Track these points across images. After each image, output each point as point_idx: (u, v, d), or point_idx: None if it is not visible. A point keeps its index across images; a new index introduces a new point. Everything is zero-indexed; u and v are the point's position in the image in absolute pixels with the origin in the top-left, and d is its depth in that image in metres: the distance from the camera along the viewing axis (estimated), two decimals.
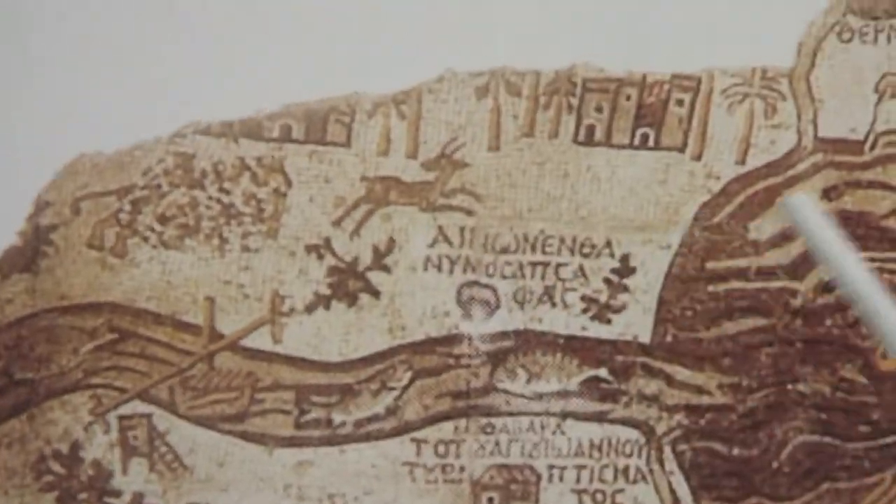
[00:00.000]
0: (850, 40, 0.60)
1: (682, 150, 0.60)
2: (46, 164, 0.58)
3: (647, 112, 0.60)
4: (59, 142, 0.57)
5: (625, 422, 0.60)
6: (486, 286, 0.59)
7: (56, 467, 0.58)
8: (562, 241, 0.59)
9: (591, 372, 0.59)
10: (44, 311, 0.58)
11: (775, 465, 0.59)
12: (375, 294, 0.59)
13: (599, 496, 0.60)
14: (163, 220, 0.58)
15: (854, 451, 0.59)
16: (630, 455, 0.60)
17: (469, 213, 0.59)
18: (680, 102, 0.60)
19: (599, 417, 0.60)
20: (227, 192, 0.59)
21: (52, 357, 0.58)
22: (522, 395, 0.59)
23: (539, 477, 0.59)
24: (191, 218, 0.58)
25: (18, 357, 0.58)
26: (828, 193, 0.60)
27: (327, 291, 0.59)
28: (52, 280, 0.58)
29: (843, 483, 0.59)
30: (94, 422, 0.59)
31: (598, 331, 0.60)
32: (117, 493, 0.59)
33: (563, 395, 0.60)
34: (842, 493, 0.60)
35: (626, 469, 0.60)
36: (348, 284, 0.59)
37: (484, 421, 0.59)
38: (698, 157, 0.60)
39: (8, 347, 0.58)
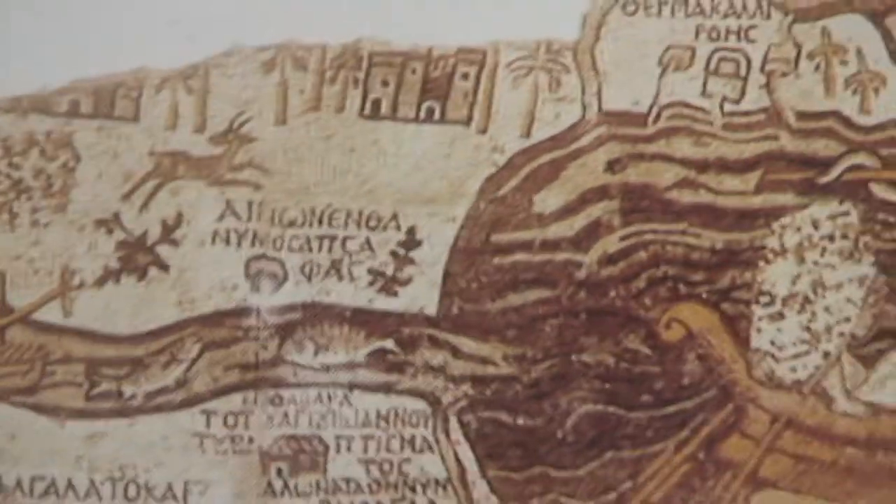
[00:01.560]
0: (634, 13, 0.60)
1: (467, 123, 0.61)
2: None
3: (433, 86, 0.60)
4: None
5: (411, 392, 0.61)
6: (274, 259, 0.60)
7: None
8: (348, 214, 0.60)
9: (378, 344, 0.60)
10: None
11: (560, 434, 0.60)
12: (164, 268, 0.60)
13: (387, 466, 0.60)
14: None
15: (637, 421, 0.60)
16: (416, 425, 0.61)
17: (257, 187, 0.60)
18: (465, 76, 0.60)
19: (386, 388, 0.61)
20: (17, 167, 0.59)
21: None
22: (310, 367, 0.60)
23: (327, 447, 0.60)
24: None
25: None
26: (612, 166, 0.61)
27: (117, 265, 0.60)
28: None
29: (626, 452, 0.60)
30: None
31: (384, 303, 0.61)
32: None
33: (351, 366, 0.60)
34: (625, 462, 0.60)
35: (412, 439, 0.60)
36: (137, 258, 0.60)
37: (272, 392, 0.60)
38: (484, 131, 0.61)
39: None
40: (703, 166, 0.60)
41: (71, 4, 0.60)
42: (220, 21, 0.60)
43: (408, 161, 0.60)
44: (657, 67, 0.60)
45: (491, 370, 0.60)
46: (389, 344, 0.60)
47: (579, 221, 0.60)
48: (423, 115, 0.60)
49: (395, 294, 0.60)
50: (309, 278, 0.60)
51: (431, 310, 0.60)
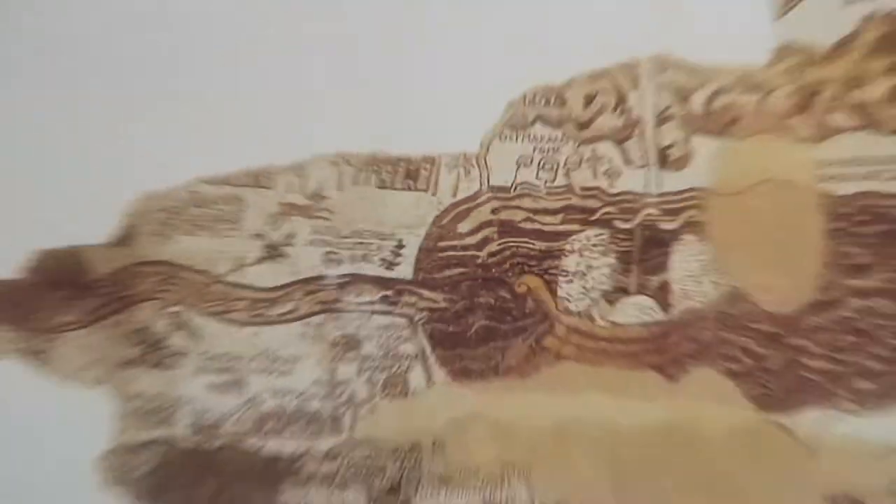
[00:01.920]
0: (505, 139, 1.29)
1: (427, 191, 1.29)
2: None
3: (411, 173, 1.29)
4: None
5: (401, 315, 1.28)
6: (336, 253, 1.29)
7: None
8: (371, 233, 1.29)
9: (385, 293, 1.28)
10: None
11: (469, 335, 1.29)
12: (286, 256, 1.28)
13: (388, 348, 1.29)
14: None
15: (506, 329, 1.29)
16: (403, 330, 1.29)
17: (329, 219, 1.28)
18: (426, 168, 1.29)
19: (389, 313, 1.29)
20: None
21: None
22: (354, 303, 1.29)
23: (359, 341, 1.29)
24: None
25: None
26: (494, 211, 1.29)
27: (266, 254, 1.28)
28: None
29: (500, 343, 1.29)
30: None
31: (388, 274, 1.29)
32: None
33: (372, 303, 1.29)
34: (500, 348, 1.29)
35: (400, 337, 1.29)
36: (274, 252, 1.28)
37: (336, 315, 1.29)
38: (434, 194, 1.29)
39: None
40: (536, 212, 1.29)
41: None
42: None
43: (399, 209, 1.28)
44: (515, 165, 1.28)
45: (437, 305, 1.29)
46: (390, 293, 1.28)
47: (478, 237, 1.28)
48: (406, 187, 1.28)
49: (393, 270, 1.28)
50: (352, 262, 1.29)
51: (409, 276, 1.29)
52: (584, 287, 1.24)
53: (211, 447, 1.19)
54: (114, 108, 1.15)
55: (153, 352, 1.18)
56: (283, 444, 1.19)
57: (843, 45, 1.14)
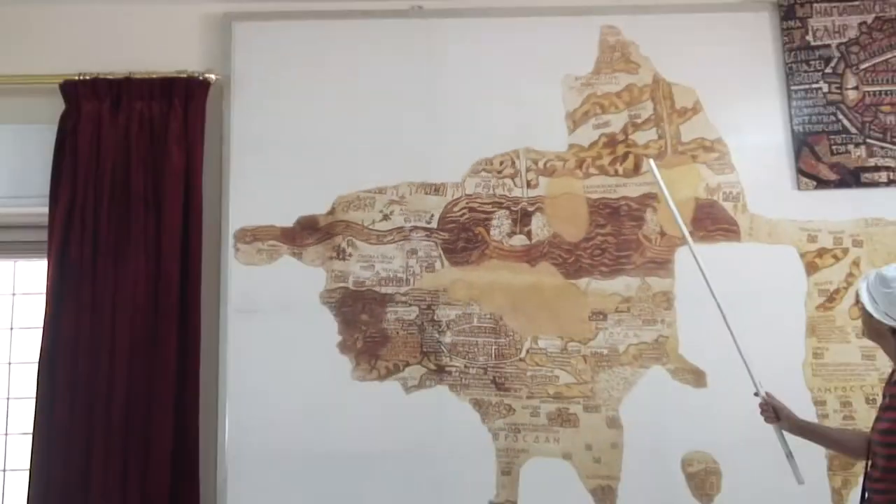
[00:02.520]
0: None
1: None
2: None
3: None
4: None
5: None
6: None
7: None
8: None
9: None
10: None
11: None
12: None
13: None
14: None
15: None
16: None
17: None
18: None
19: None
20: None
21: None
22: None
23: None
24: None
25: None
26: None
27: None
28: None
29: None
30: None
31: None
32: None
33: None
34: None
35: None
36: None
37: None
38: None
39: None
40: (482, 204, 3.49)
41: None
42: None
43: (435, 203, 3.48)
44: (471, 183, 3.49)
45: (446, 237, 3.48)
46: (429, 233, 3.47)
47: (460, 209, 3.48)
48: (435, 191, 3.49)
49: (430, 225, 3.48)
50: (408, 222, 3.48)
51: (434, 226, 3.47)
52: (500, 230, 3.44)
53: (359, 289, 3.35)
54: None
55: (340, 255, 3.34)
56: (386, 289, 3.34)
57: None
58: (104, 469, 3.20)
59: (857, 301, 2.55)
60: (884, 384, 2.52)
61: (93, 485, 3.18)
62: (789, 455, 2.74)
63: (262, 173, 3.47)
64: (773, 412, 2.75)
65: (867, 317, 2.46)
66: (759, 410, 2.84)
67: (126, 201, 3.42)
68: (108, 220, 3.41)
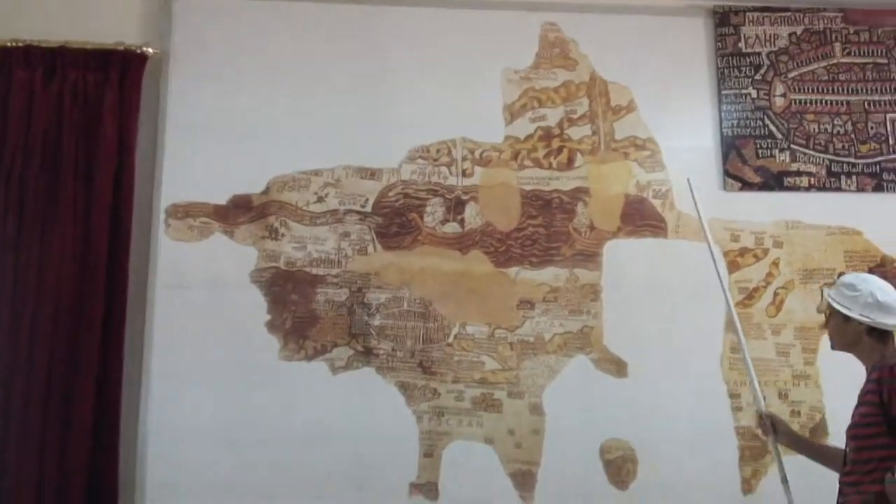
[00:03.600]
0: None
1: None
2: None
3: None
4: None
5: None
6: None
7: None
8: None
9: None
10: None
11: None
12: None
13: None
14: None
15: None
16: None
17: None
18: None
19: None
20: None
21: None
22: None
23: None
24: None
25: None
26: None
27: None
28: None
29: None
30: None
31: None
32: None
33: None
34: None
35: None
36: None
37: None
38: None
39: None
40: (417, 190, 3.53)
41: None
42: None
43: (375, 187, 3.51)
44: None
45: (380, 222, 3.50)
46: (363, 217, 3.50)
47: (395, 194, 3.51)
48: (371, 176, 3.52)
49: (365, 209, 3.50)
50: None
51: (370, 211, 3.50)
52: (434, 217, 3.48)
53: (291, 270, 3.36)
54: None
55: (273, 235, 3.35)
56: (317, 270, 3.35)
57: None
58: (21, 439, 3.15)
59: (827, 318, 2.59)
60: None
61: (9, 455, 3.13)
62: (784, 480, 2.71)
63: (196, 150, 3.45)
64: (772, 425, 2.77)
65: (842, 323, 2.51)
66: (757, 424, 2.94)
67: (56, 172, 3.38)
68: (36, 189, 3.36)
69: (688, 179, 3.11)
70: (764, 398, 2.93)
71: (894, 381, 2.31)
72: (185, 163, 3.45)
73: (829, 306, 2.55)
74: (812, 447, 2.96)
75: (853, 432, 2.40)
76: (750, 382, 2.87)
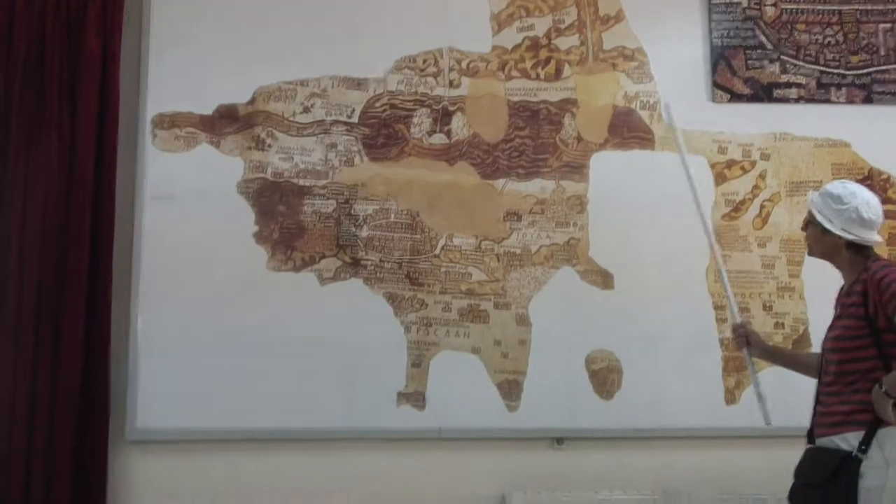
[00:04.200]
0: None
1: None
2: None
3: None
4: None
5: None
6: None
7: None
8: None
9: None
10: None
11: None
12: None
13: None
14: None
15: None
16: None
17: None
18: None
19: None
20: None
21: None
22: None
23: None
24: None
25: None
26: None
27: None
28: None
29: None
30: None
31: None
32: None
33: None
34: None
35: None
36: None
37: None
38: None
39: None
40: (403, 101, 3.50)
41: None
42: None
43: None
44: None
45: (368, 133, 3.49)
46: (350, 128, 3.48)
47: (382, 104, 3.48)
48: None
49: (352, 120, 3.48)
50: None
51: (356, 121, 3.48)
52: (420, 128, 3.46)
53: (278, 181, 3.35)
54: None
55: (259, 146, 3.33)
56: (304, 181, 3.34)
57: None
58: (14, 352, 3.18)
59: (807, 223, 2.53)
60: (836, 295, 2.51)
61: (2, 371, 3.16)
62: (760, 397, 2.73)
63: (181, 61, 3.42)
64: (745, 338, 2.79)
65: (820, 234, 2.47)
66: (732, 334, 2.91)
67: (40, 87, 3.34)
68: (19, 105, 3.33)
69: (666, 104, 3.09)
70: (740, 311, 2.95)
71: (881, 294, 2.28)
72: (171, 73, 3.41)
73: (810, 212, 2.52)
74: (786, 356, 2.99)
75: (836, 345, 2.38)
76: (726, 295, 2.89)
